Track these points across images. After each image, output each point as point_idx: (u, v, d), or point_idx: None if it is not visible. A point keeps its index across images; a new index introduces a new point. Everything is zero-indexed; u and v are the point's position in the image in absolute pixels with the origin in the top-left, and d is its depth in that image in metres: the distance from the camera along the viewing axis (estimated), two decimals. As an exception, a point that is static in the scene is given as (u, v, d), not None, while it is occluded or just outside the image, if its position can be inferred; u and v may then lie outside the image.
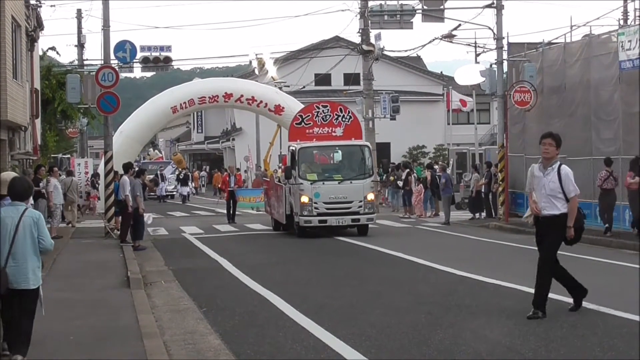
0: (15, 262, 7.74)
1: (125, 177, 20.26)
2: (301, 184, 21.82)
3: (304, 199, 21.66)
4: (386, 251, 18.27)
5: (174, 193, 49.08)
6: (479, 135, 46.82)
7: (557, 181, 9.80)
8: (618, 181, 20.31)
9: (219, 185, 33.00)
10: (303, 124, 23.48)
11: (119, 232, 21.13)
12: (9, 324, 7.85)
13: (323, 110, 23.51)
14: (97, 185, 34.00)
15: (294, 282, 14.02)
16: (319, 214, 21.70)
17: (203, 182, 61.77)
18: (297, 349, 8.76)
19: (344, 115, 23.56)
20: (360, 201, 21.95)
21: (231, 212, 28.49)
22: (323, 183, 21.93)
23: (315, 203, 21.66)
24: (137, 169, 23.33)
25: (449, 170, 33.26)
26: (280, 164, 48.00)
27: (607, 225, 20.29)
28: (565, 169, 9.96)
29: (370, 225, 22.86)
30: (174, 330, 10.01)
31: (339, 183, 22.03)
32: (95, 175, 35.14)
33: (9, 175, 8.72)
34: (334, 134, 23.38)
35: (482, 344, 8.73)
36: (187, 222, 28.95)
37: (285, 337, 9.37)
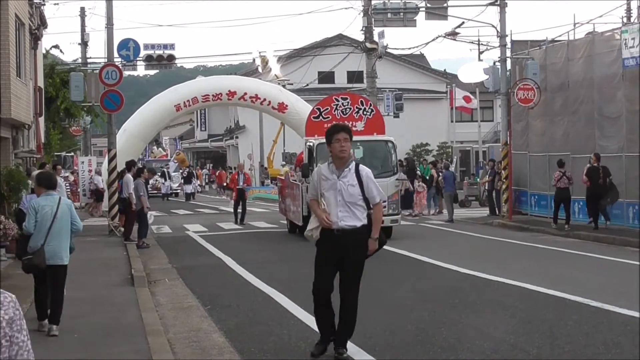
0: (54, 242, 9.17)
1: (129, 175, 20.28)
2: None
3: None
4: (389, 249, 18.22)
5: (178, 191, 49.12)
6: (482, 133, 46.84)
7: (357, 185, 7.88)
8: (572, 180, 21.86)
9: (229, 185, 32.56)
10: (321, 117, 21.90)
11: (122, 230, 21.16)
12: (42, 295, 9.40)
13: (343, 103, 21.98)
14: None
15: (298, 279, 14.00)
16: None
17: (206, 180, 61.83)
18: (302, 347, 8.77)
19: (365, 109, 22.04)
20: (384, 201, 21.06)
21: (239, 212, 26.99)
22: None
23: None
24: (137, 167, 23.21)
25: (452, 168, 33.24)
26: (283, 162, 48.17)
27: (565, 217, 22.19)
28: (365, 169, 8.08)
29: None
30: (178, 328, 10.02)
31: None
32: (98, 173, 35.09)
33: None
34: (354, 128, 21.03)
35: (487, 341, 8.73)
36: (190, 220, 28.97)
37: (290, 334, 9.37)
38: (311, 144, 21.34)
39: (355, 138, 21.65)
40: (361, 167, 8.04)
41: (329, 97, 22.83)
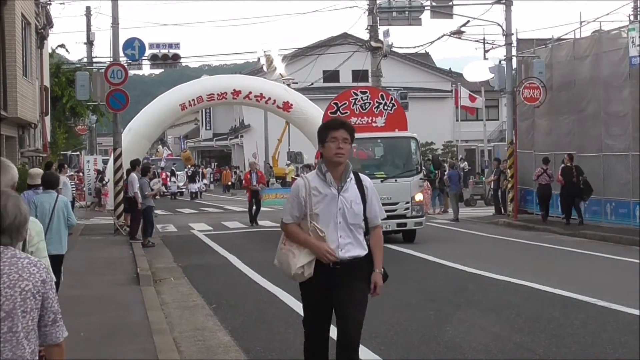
0: (52, 235, 10.19)
1: (133, 174, 20.29)
2: None
3: None
4: (395, 248, 18.23)
5: (183, 190, 49.16)
6: (487, 132, 46.76)
7: (360, 201, 5.88)
8: (553, 177, 23.45)
9: (244, 184, 32.19)
10: (339, 112, 20.15)
11: (128, 229, 21.18)
12: None
13: (362, 97, 20.37)
14: (104, 181, 33.97)
15: (303, 278, 14.00)
16: None
17: (211, 179, 61.90)
18: (307, 346, 8.74)
19: (385, 103, 20.39)
20: (407, 202, 19.17)
21: (253, 213, 26.05)
22: None
23: None
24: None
25: (464, 165, 33.24)
26: (288, 161, 48.14)
27: (543, 213, 24.04)
28: (367, 179, 6.09)
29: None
30: (183, 327, 10.02)
31: (381, 182, 18.70)
32: (102, 171, 35.09)
33: (36, 170, 11.25)
34: (374, 124, 20.27)
35: (492, 340, 8.71)
36: (195, 219, 28.97)
37: (295, 333, 9.34)
38: None
39: (375, 135, 20.37)
40: (362, 176, 6.08)
41: (347, 91, 21.26)
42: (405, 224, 19.29)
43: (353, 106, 20.41)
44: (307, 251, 5.81)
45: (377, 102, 20.46)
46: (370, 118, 20.39)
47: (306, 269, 5.82)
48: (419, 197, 19.62)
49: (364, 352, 8.34)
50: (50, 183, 10.63)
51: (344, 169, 5.87)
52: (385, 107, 20.44)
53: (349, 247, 5.81)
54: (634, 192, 20.90)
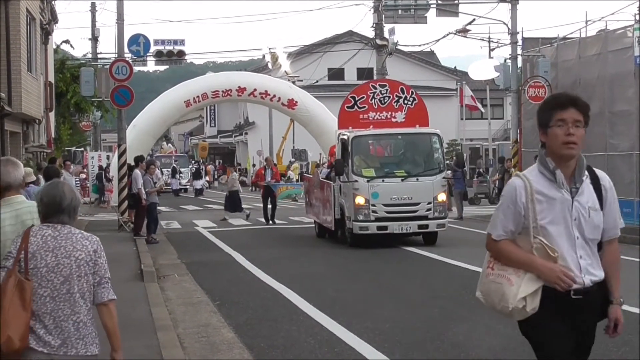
0: None
1: (137, 171, 20.28)
2: (355, 181, 17.81)
3: (359, 200, 17.65)
4: (399, 246, 18.23)
5: (188, 187, 49.16)
6: (492, 131, 46.77)
7: (598, 207, 4.38)
8: None
9: (254, 180, 31.88)
10: (356, 107, 19.32)
11: (132, 225, 21.19)
12: None
13: (381, 91, 19.40)
14: (108, 177, 34.01)
15: (308, 276, 14.03)
16: (378, 219, 17.65)
17: (215, 176, 61.94)
18: (311, 343, 8.76)
19: (406, 97, 19.47)
20: (429, 203, 17.94)
21: (269, 210, 25.33)
22: (382, 180, 17.93)
23: (373, 205, 17.62)
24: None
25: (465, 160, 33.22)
26: (293, 159, 48.16)
27: None
28: (606, 176, 4.53)
29: None
30: (187, 323, 10.03)
31: (402, 180, 17.98)
32: (106, 168, 35.14)
33: (27, 170, 10.82)
34: (394, 119, 19.34)
35: (496, 338, 8.70)
36: (200, 216, 28.99)
37: (299, 331, 9.37)
38: (345, 137, 18.69)
39: (394, 130, 19.46)
40: (600, 173, 4.53)
41: (365, 84, 20.41)
42: (427, 226, 18.04)
43: (371, 100, 19.49)
44: (531, 276, 4.29)
45: (396, 95, 19.55)
46: (390, 113, 19.44)
47: (529, 301, 4.27)
48: (441, 197, 18.34)
49: (367, 349, 8.36)
50: (50, 176, 10.91)
51: (576, 164, 4.39)
52: (406, 102, 19.56)
53: (590, 269, 4.36)
54: (639, 192, 20.87)
